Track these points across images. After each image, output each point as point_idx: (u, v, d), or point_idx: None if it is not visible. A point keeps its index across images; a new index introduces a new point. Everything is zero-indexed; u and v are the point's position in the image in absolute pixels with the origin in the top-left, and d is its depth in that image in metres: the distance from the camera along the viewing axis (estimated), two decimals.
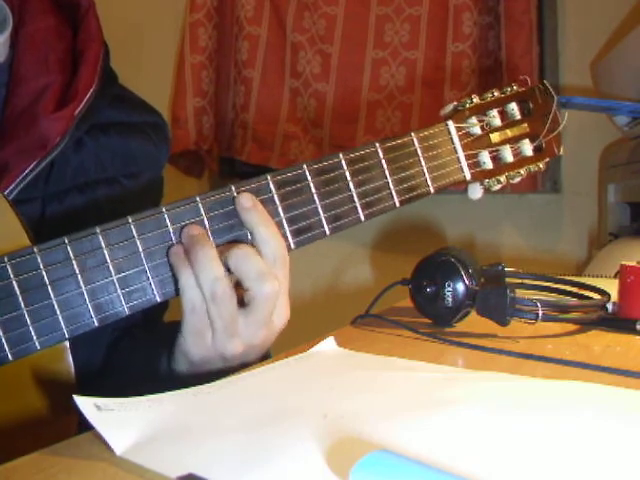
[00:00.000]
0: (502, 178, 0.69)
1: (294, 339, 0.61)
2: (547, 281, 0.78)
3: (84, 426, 0.38)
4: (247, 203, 0.56)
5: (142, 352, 0.68)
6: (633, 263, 0.69)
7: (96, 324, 0.53)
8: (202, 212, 0.56)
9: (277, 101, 2.06)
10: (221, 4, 2.07)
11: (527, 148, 0.70)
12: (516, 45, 1.81)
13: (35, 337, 0.51)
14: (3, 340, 0.51)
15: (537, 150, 0.71)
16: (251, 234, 0.56)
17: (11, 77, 0.69)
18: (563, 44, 1.87)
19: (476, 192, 0.70)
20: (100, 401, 0.39)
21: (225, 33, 2.08)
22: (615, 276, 0.86)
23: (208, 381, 0.46)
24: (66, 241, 0.52)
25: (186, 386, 0.44)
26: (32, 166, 0.64)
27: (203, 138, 2.04)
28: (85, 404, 0.38)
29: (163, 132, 0.81)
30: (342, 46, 2.01)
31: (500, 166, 0.69)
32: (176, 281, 0.54)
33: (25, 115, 0.67)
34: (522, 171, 0.70)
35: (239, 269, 0.54)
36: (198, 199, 0.56)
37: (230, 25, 2.08)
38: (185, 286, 0.54)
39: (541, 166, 0.71)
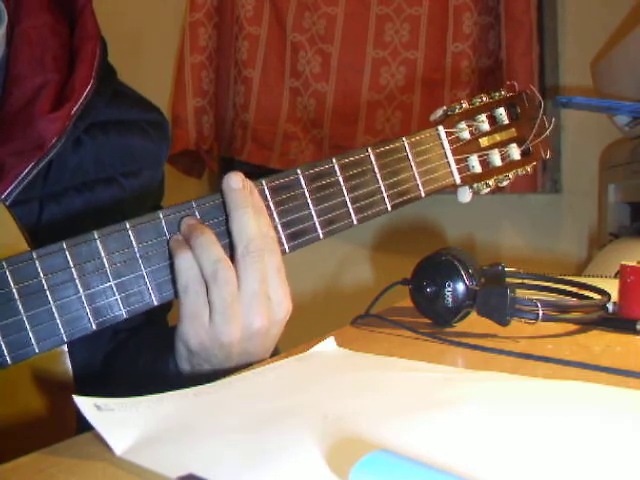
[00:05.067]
0: (491, 182, 0.71)
1: (294, 339, 0.61)
2: (547, 281, 0.78)
3: (83, 426, 0.38)
4: (235, 184, 0.56)
5: (147, 355, 0.68)
6: (633, 263, 0.69)
7: (94, 328, 0.53)
8: (198, 217, 0.56)
9: (277, 101, 2.06)
10: (221, 4, 2.07)
11: (515, 152, 0.72)
12: (516, 45, 1.81)
13: (34, 341, 0.51)
14: (2, 345, 0.51)
15: (525, 154, 0.72)
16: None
17: (7, 75, 0.68)
18: (563, 44, 1.87)
19: (465, 196, 0.71)
20: (100, 401, 0.39)
21: (225, 33, 2.08)
22: (615, 276, 0.86)
23: (210, 377, 0.46)
24: (64, 246, 0.52)
25: (189, 385, 0.44)
26: (29, 168, 0.64)
27: (203, 138, 2.04)
28: (85, 404, 0.38)
29: (163, 129, 0.80)
30: (342, 46, 2.01)
31: (489, 170, 0.71)
32: (173, 281, 0.55)
33: (21, 115, 0.66)
34: (510, 175, 0.72)
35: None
36: (194, 204, 0.56)
37: (230, 25, 2.08)
38: (179, 266, 0.54)
39: (529, 170, 0.73)
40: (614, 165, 1.57)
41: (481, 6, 1.87)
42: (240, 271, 0.55)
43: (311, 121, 2.03)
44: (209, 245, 0.54)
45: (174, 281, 0.55)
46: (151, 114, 0.80)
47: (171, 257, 0.55)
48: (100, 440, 0.36)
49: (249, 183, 0.57)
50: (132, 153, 0.75)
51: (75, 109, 0.67)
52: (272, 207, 0.58)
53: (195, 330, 0.55)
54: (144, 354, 0.68)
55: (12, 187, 0.63)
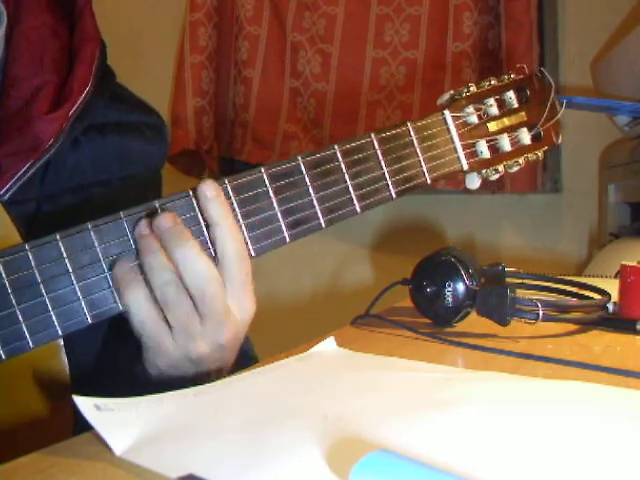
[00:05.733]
0: (500, 167, 0.68)
1: (294, 339, 0.61)
2: (547, 281, 0.78)
3: (81, 425, 0.38)
4: (210, 192, 0.54)
5: (122, 353, 0.67)
6: (633, 263, 0.69)
7: (90, 321, 0.52)
8: (195, 207, 0.55)
9: (277, 101, 2.05)
10: (221, 4, 2.07)
11: (525, 137, 0.69)
12: (516, 45, 1.80)
13: (28, 335, 0.50)
14: None
15: (535, 139, 0.70)
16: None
17: (5, 77, 0.68)
18: (563, 44, 1.87)
19: (474, 182, 0.69)
20: (100, 401, 0.39)
21: (225, 33, 2.08)
22: (615, 276, 0.86)
23: (185, 386, 0.45)
24: (58, 237, 0.51)
25: (162, 390, 0.44)
26: (25, 168, 0.64)
27: (203, 138, 2.04)
28: (85, 404, 0.38)
29: (161, 133, 0.80)
30: (342, 46, 2.01)
31: (498, 155, 0.68)
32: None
33: (19, 116, 0.66)
34: (520, 160, 0.69)
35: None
36: (191, 194, 0.55)
37: (230, 25, 2.08)
38: (129, 305, 0.52)
39: (539, 155, 0.70)
40: (614, 165, 1.57)
41: (481, 6, 1.87)
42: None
43: (311, 121, 2.03)
44: (160, 269, 0.52)
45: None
46: (150, 117, 0.80)
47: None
48: (100, 440, 0.36)
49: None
50: (130, 155, 0.75)
51: (73, 110, 0.67)
52: (272, 195, 0.57)
53: (162, 354, 0.54)
54: (118, 353, 0.67)
55: (8, 186, 0.63)
